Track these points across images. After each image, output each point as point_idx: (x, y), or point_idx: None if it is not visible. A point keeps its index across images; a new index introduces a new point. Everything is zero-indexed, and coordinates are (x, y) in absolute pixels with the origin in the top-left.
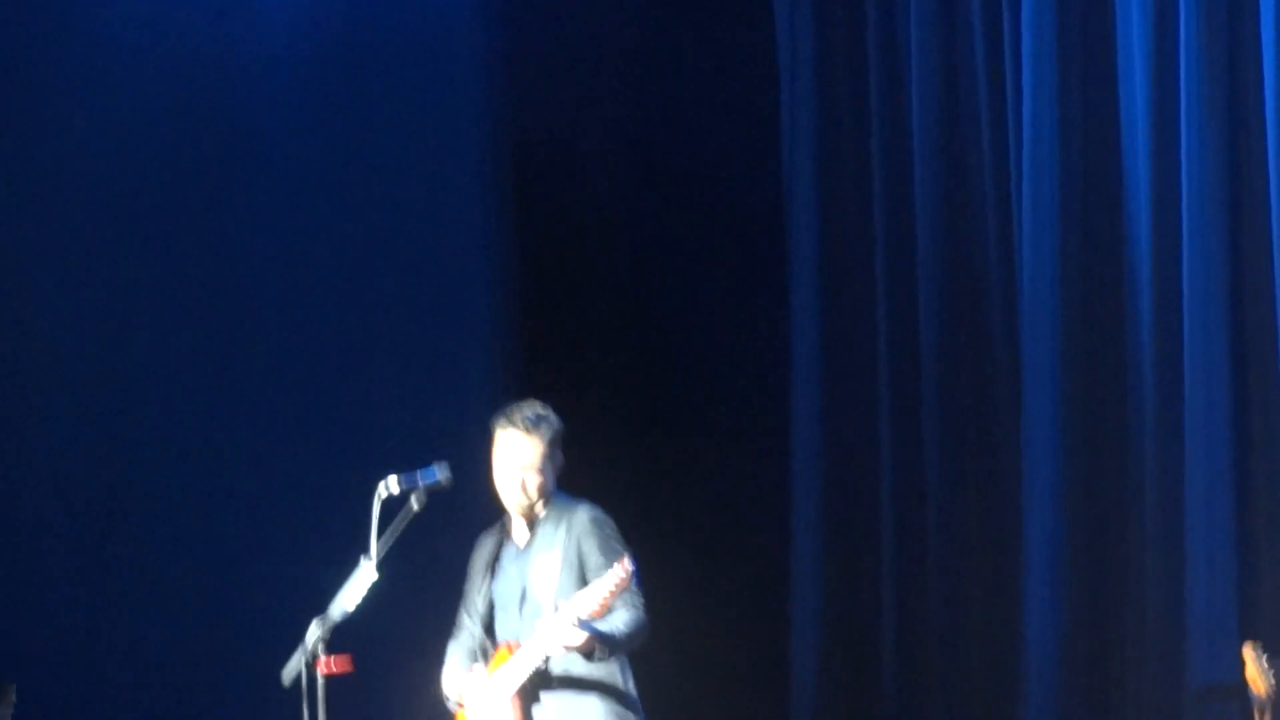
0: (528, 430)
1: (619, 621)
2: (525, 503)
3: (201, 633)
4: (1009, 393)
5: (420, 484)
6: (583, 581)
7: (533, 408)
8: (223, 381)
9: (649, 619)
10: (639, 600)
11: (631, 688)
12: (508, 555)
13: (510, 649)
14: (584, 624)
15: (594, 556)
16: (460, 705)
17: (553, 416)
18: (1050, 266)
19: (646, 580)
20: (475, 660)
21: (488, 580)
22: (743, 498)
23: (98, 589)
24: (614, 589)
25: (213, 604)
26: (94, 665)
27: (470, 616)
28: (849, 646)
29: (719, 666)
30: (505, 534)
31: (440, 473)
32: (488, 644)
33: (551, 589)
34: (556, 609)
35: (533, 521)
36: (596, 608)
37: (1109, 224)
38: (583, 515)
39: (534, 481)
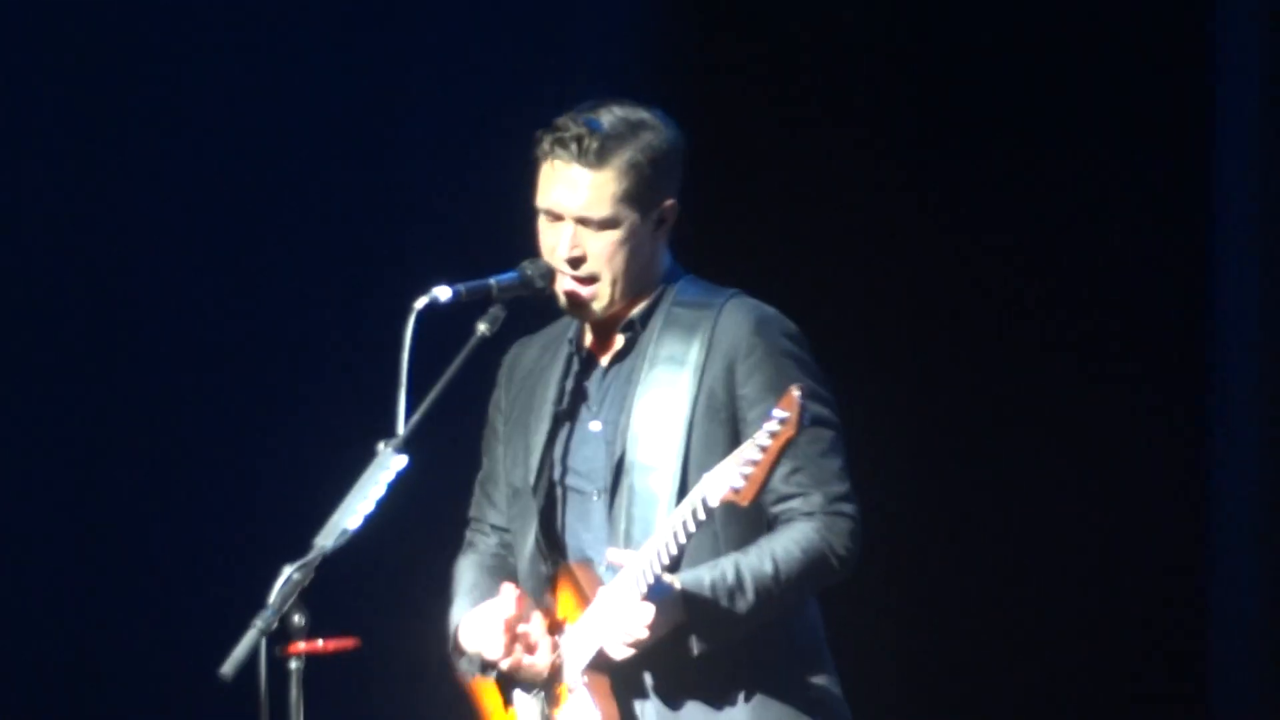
0: (586, 154)
1: (778, 548)
2: (582, 296)
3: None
4: None
5: (494, 289)
6: (733, 445)
7: (611, 111)
8: None
9: (856, 528)
10: (835, 492)
11: (824, 665)
12: (584, 384)
13: (580, 586)
14: (657, 589)
15: (761, 400)
16: (488, 669)
17: (656, 126)
18: None
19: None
20: (502, 584)
21: (543, 429)
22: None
23: None
24: (766, 457)
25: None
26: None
27: (494, 506)
28: None
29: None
30: (575, 345)
31: (532, 269)
32: (533, 560)
33: (673, 455)
34: (678, 506)
35: (627, 323)
36: (741, 491)
37: None
38: (738, 317)
39: (599, 249)
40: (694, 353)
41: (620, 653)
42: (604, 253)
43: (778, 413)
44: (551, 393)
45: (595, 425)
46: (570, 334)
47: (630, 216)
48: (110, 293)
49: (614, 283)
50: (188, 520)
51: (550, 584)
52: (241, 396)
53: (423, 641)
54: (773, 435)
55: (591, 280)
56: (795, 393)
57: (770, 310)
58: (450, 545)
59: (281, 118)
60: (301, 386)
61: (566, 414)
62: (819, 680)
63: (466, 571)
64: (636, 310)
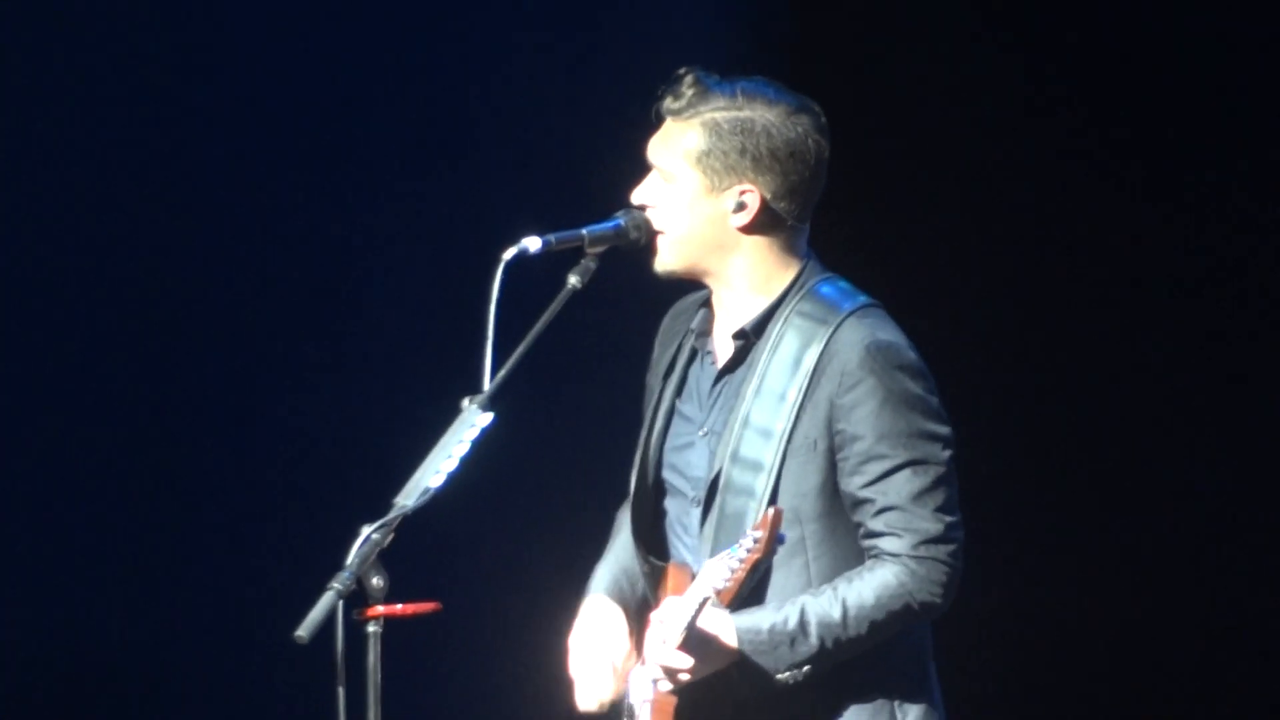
0: (678, 100)
1: (850, 593)
2: (659, 255)
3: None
4: None
5: (586, 239)
6: (831, 489)
7: (744, 79)
8: None
9: (950, 571)
10: (928, 533)
11: (925, 692)
12: (701, 381)
13: (677, 589)
14: (695, 638)
15: (862, 439)
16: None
17: (769, 108)
18: None
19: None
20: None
21: (657, 415)
22: None
23: None
24: (738, 573)
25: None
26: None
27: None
28: None
29: None
30: (703, 329)
31: (627, 219)
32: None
33: (762, 485)
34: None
35: (739, 331)
36: (721, 594)
37: None
38: (851, 340)
39: (662, 202)
40: (800, 375)
41: (667, 687)
42: (665, 207)
43: (752, 533)
44: (674, 377)
45: (703, 431)
46: (695, 319)
47: (692, 179)
48: (189, 239)
49: (673, 244)
50: (266, 478)
51: (659, 583)
52: (324, 350)
53: (505, 606)
54: (749, 551)
55: (661, 249)
56: (770, 514)
57: (886, 337)
58: (536, 506)
59: (364, 66)
60: (385, 341)
61: (682, 407)
62: (916, 709)
63: (626, 533)
64: (749, 320)
